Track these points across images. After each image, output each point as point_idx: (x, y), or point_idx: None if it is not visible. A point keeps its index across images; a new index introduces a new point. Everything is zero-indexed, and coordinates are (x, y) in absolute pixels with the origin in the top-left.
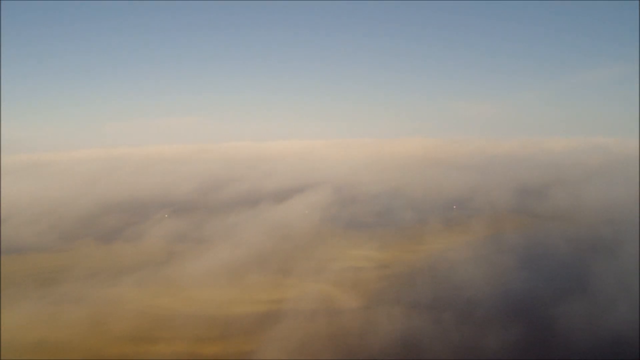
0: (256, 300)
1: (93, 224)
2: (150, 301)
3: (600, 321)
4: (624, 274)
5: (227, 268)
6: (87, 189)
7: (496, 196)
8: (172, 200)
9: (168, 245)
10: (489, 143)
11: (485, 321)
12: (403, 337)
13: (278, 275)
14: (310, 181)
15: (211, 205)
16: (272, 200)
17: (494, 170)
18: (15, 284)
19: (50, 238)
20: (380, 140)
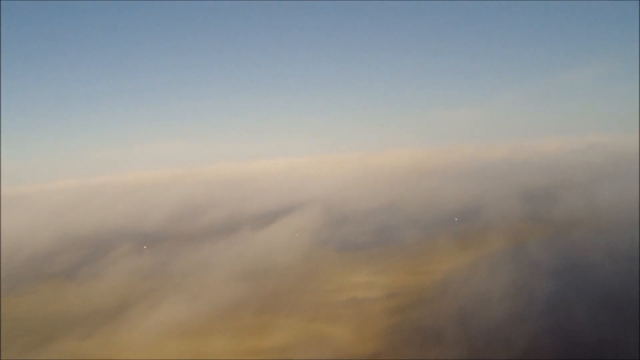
0: (240, 350)
1: (48, 262)
2: (107, 357)
3: None
4: None
5: (203, 310)
6: (51, 222)
7: (501, 204)
8: (144, 230)
9: (132, 284)
10: (479, 149)
11: None
12: None
13: (266, 316)
14: (297, 201)
15: (186, 234)
16: (256, 225)
17: (491, 176)
18: None
19: None
20: (367, 154)
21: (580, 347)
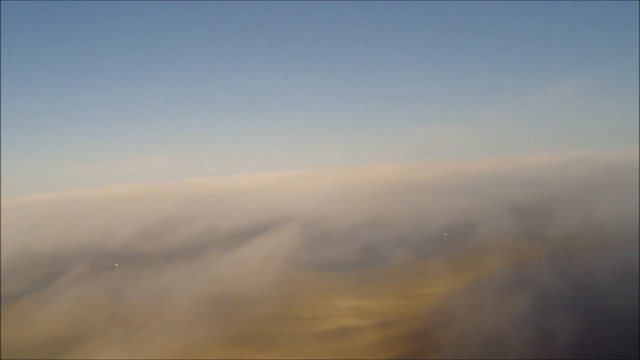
0: None
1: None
2: None
3: None
4: None
5: (165, 343)
6: (13, 239)
7: (490, 219)
8: (108, 249)
9: (86, 312)
10: (463, 164)
11: None
12: None
13: (239, 350)
14: (276, 218)
15: (153, 254)
16: (229, 244)
17: (478, 191)
18: None
19: None
20: (351, 168)
21: None
